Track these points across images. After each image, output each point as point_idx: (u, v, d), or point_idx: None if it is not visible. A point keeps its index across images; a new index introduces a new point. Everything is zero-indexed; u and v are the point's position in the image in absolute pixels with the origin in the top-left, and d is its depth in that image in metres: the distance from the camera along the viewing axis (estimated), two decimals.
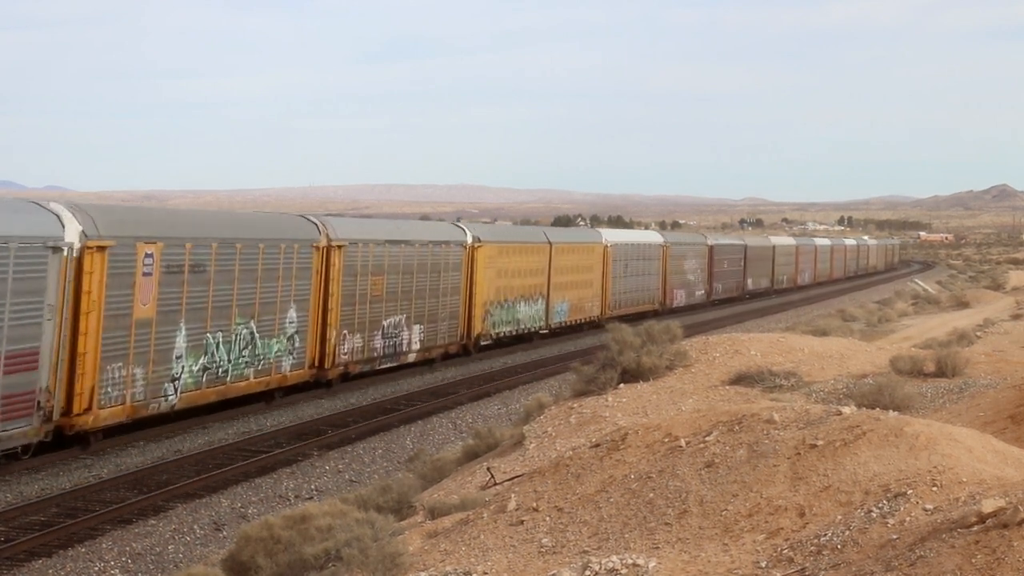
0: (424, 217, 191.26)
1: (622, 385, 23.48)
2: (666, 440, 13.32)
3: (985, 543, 9.02)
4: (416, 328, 40.95)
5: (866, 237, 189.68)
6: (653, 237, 74.21)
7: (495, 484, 17.00)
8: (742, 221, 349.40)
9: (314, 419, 31.68)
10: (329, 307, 35.50)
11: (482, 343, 46.98)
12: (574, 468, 13.44)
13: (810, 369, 23.93)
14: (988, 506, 9.33)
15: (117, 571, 19.24)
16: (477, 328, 46.10)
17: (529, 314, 51.25)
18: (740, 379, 23.29)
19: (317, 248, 35.04)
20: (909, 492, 10.65)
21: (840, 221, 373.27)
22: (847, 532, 10.30)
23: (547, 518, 12.62)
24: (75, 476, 24.34)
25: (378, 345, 38.74)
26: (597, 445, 13.89)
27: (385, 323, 38.85)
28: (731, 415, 13.50)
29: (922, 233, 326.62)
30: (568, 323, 56.38)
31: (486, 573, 11.53)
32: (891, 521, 10.24)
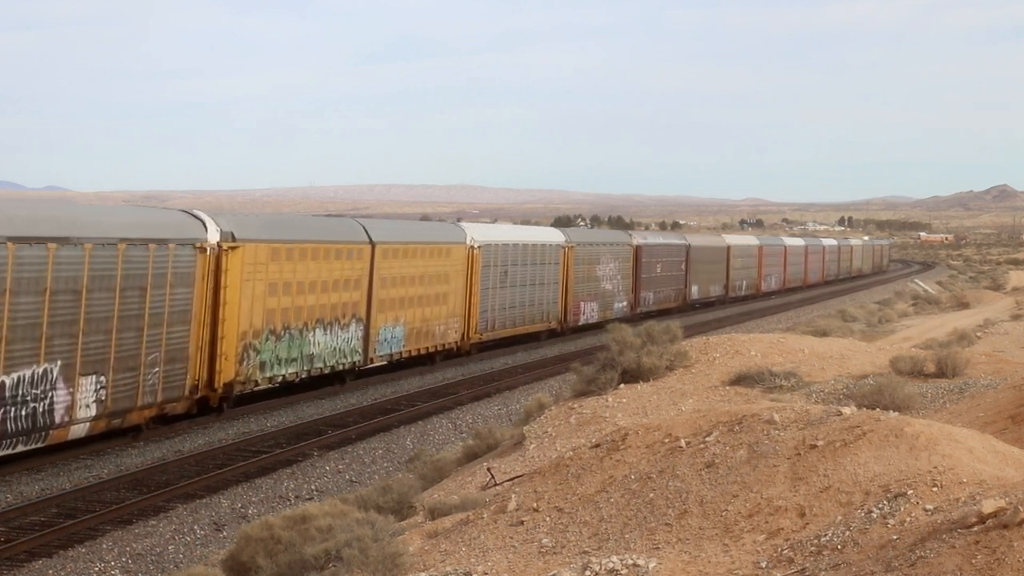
0: (424, 217, 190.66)
1: (622, 385, 23.49)
2: (666, 440, 13.32)
3: (985, 543, 9.02)
4: (86, 383, 25.17)
5: (851, 238, 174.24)
6: (549, 235, 57.33)
7: (495, 484, 17.01)
8: (742, 222, 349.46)
9: (314, 419, 31.68)
10: None
11: (241, 392, 31.42)
12: (574, 468, 13.44)
13: (810, 369, 23.93)
14: (988, 506, 9.33)
15: (117, 571, 19.24)
16: (228, 372, 30.53)
17: (333, 346, 35.67)
18: (740, 379, 23.29)
19: None
20: (909, 492, 10.65)
21: (840, 221, 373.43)
22: (847, 532, 10.31)
23: (547, 518, 12.62)
24: (75, 476, 24.34)
25: None
26: (597, 445, 13.89)
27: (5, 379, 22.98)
28: (731, 415, 13.50)
29: (922, 233, 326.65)
30: (405, 354, 40.85)
31: (486, 573, 11.53)
32: (891, 521, 10.24)
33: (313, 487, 24.92)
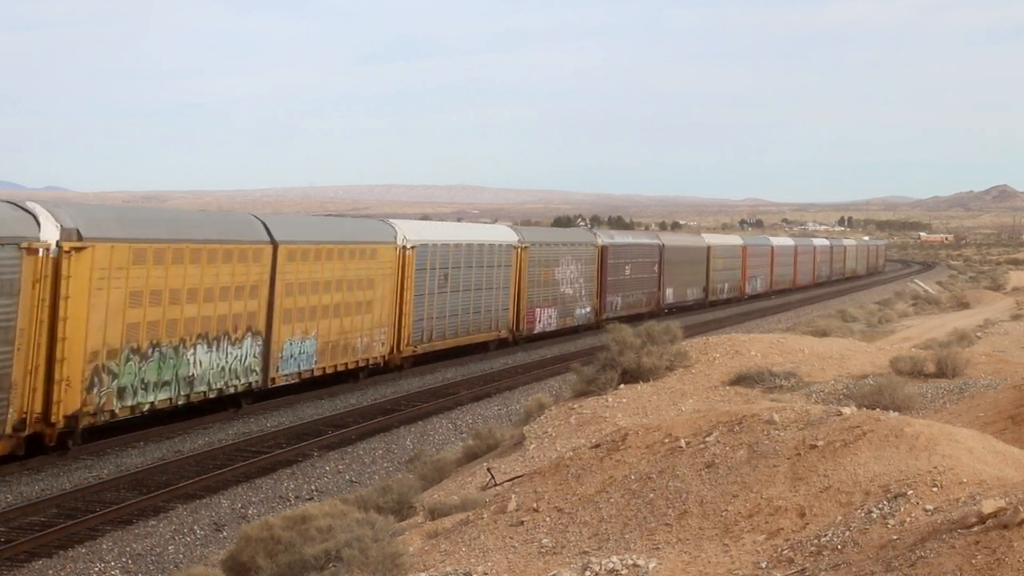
0: (424, 218, 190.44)
1: (622, 386, 23.49)
2: (666, 440, 13.32)
3: (985, 543, 9.02)
4: None
5: (844, 238, 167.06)
6: (499, 234, 51.39)
7: (495, 484, 17.01)
8: (742, 222, 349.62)
9: (314, 419, 31.68)
10: None
11: (91, 424, 26.04)
12: (574, 468, 13.44)
13: (810, 369, 23.92)
14: (988, 507, 9.33)
15: (117, 572, 19.24)
16: (71, 402, 25.02)
17: (220, 365, 30.18)
18: (740, 380, 23.29)
19: None
20: (909, 492, 10.65)
21: (840, 221, 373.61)
22: (847, 532, 10.30)
23: (547, 518, 12.61)
24: (75, 476, 24.34)
25: None
26: (597, 446, 13.89)
27: None
28: (731, 415, 13.50)
29: (922, 234, 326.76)
30: (319, 372, 35.32)
31: (486, 573, 11.53)
32: (891, 522, 10.24)
33: (313, 487, 24.93)
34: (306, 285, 34.22)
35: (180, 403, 29.05)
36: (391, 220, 42.12)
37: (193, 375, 29.12)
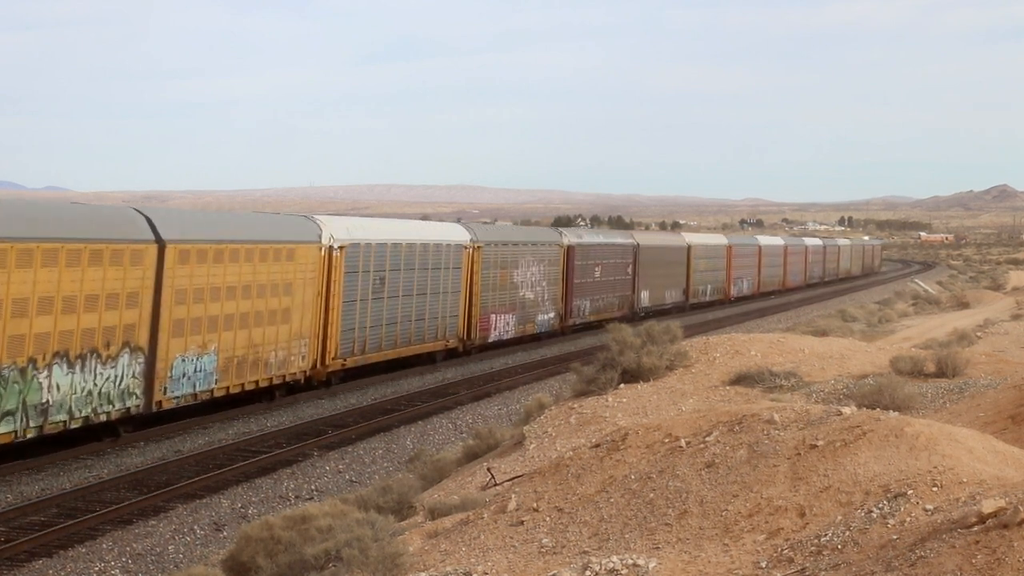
0: (424, 217, 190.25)
1: (622, 385, 23.50)
2: (666, 440, 13.32)
3: (985, 543, 9.02)
4: None
5: (839, 238, 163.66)
6: (448, 233, 46.41)
7: (495, 484, 17.01)
8: (742, 221, 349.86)
9: (314, 419, 31.69)
10: None
11: None
12: (574, 468, 13.44)
13: (810, 369, 23.94)
14: (988, 506, 9.33)
15: (117, 571, 19.24)
16: None
17: (86, 388, 25.36)
18: (740, 379, 23.30)
19: None
20: (909, 492, 10.65)
21: (840, 221, 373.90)
22: (847, 532, 10.31)
23: (547, 518, 12.62)
24: (75, 476, 24.34)
25: None
26: (597, 445, 13.90)
27: None
28: (731, 415, 13.50)
29: (922, 233, 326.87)
30: (221, 392, 30.48)
31: (486, 573, 11.53)
32: (891, 521, 10.24)
33: (313, 487, 24.93)
34: (204, 291, 29.25)
35: (30, 436, 24.00)
36: (317, 217, 37.21)
37: (47, 402, 24.13)
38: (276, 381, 33.20)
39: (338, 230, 36.70)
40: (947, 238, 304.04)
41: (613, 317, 57.41)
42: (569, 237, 56.72)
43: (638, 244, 65.32)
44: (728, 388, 22.99)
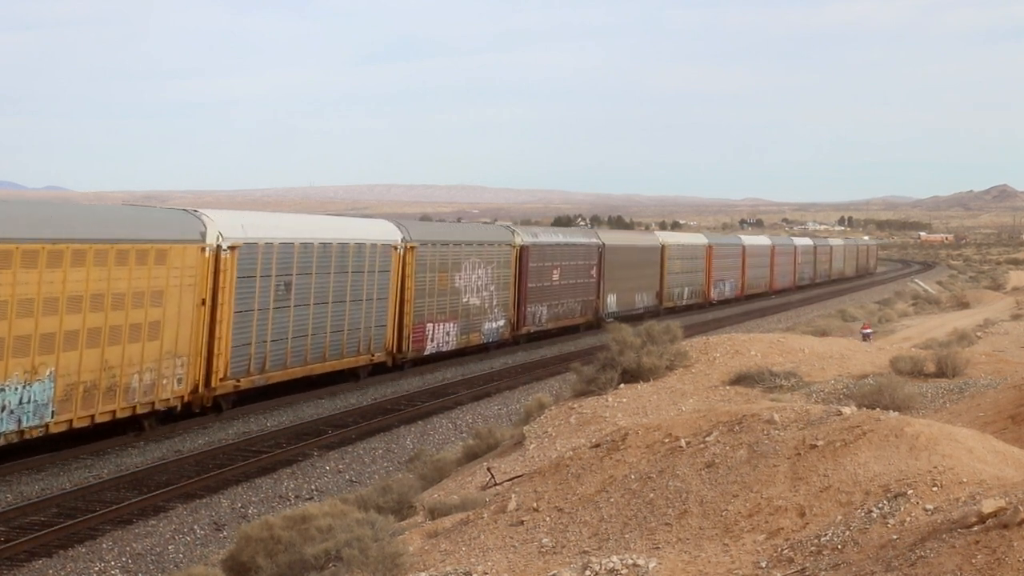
0: (424, 217, 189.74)
1: (622, 385, 23.49)
2: (666, 440, 13.32)
3: (985, 543, 9.02)
4: None
5: (831, 238, 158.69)
6: (373, 232, 40.21)
7: (495, 484, 17.01)
8: (742, 221, 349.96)
9: (314, 419, 31.68)
10: None
11: None
12: (574, 468, 13.44)
13: (810, 369, 23.94)
14: (988, 506, 9.33)
15: (117, 571, 19.24)
16: None
17: None
18: (740, 379, 23.31)
19: None
20: (909, 492, 10.65)
21: (840, 221, 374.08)
22: (847, 532, 10.30)
23: (547, 518, 12.62)
24: (75, 476, 24.34)
25: None
26: (597, 445, 13.89)
27: None
28: (731, 415, 13.50)
29: (922, 233, 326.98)
30: (62, 426, 24.95)
31: (486, 573, 11.53)
32: (891, 521, 10.24)
33: (313, 487, 24.93)
34: (33, 302, 23.65)
35: None
36: (203, 211, 31.41)
37: None
38: (143, 410, 27.44)
39: (229, 227, 30.91)
40: (947, 238, 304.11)
41: (576, 324, 55.55)
42: (523, 236, 51.42)
43: (604, 244, 60.26)
44: (728, 388, 22.99)
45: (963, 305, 66.98)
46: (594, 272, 58.42)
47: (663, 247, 69.38)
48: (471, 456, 22.21)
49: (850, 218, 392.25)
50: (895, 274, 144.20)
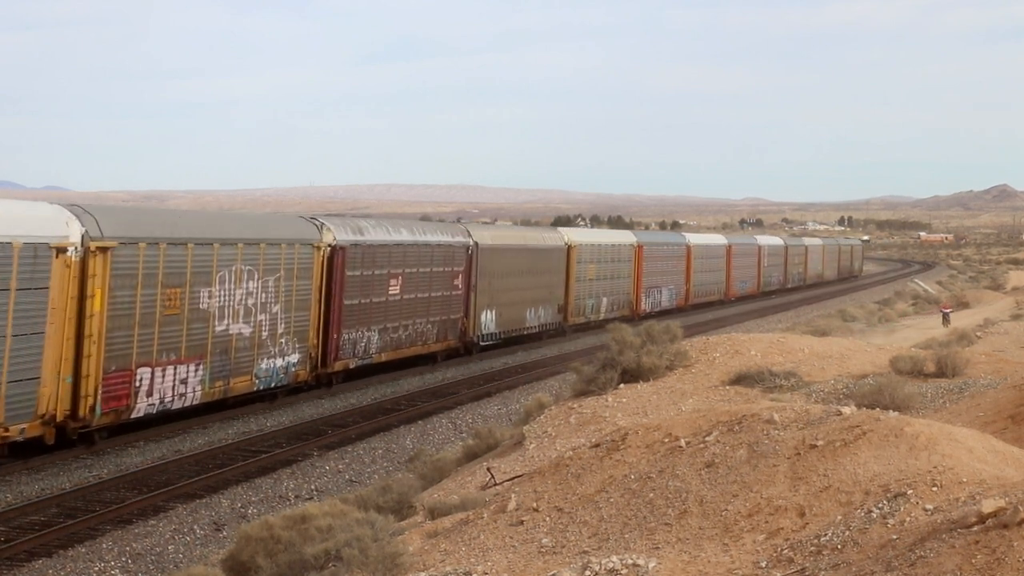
0: (424, 217, 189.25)
1: (622, 385, 23.49)
2: (666, 440, 13.32)
3: (985, 543, 9.02)
4: None
5: (805, 237, 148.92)
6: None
7: (495, 484, 17.01)
8: (742, 221, 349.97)
9: (314, 419, 31.68)
10: None
11: None
12: (574, 468, 13.44)
13: (810, 369, 23.93)
14: (988, 506, 9.33)
15: (117, 571, 19.24)
16: None
17: None
18: (740, 379, 23.30)
19: None
20: (909, 492, 10.65)
21: (840, 221, 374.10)
22: (847, 532, 10.30)
23: (547, 518, 12.62)
24: (75, 476, 24.34)
25: None
26: (597, 445, 13.89)
27: None
28: (731, 415, 13.50)
29: (922, 233, 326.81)
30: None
31: (486, 573, 11.53)
32: (891, 521, 10.24)
33: (313, 487, 24.92)
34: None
35: None
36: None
37: None
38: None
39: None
40: (947, 238, 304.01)
41: (430, 352, 42.55)
42: (337, 233, 36.14)
43: (475, 244, 45.99)
44: (728, 388, 22.99)
45: (963, 305, 67.05)
46: (460, 282, 44.56)
47: (569, 248, 55.52)
48: (471, 456, 22.20)
49: (850, 218, 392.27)
50: (888, 276, 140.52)
